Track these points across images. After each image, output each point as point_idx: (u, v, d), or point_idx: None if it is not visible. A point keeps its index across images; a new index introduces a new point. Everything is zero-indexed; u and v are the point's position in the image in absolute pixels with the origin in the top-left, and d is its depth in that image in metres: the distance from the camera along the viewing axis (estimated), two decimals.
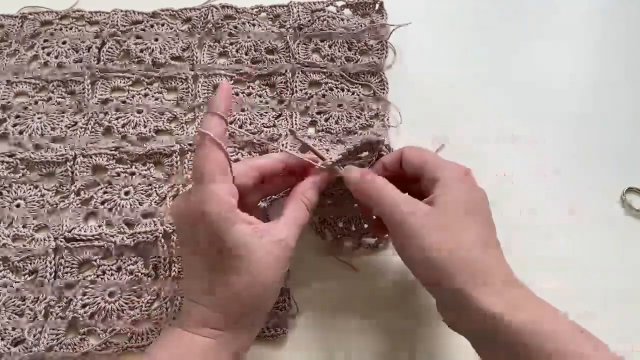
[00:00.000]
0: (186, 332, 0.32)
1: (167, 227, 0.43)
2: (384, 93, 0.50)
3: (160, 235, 0.42)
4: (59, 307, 0.41)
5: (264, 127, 0.49)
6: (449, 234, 0.32)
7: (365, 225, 0.43)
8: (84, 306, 0.41)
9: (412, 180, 0.37)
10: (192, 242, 0.34)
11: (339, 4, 0.55)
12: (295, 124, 0.48)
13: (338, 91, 0.50)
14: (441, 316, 0.34)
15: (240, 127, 0.48)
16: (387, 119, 0.49)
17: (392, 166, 0.38)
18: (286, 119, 0.49)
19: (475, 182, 0.36)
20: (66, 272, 0.42)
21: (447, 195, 0.34)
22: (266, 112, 0.50)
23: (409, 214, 0.33)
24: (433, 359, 0.40)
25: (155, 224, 0.43)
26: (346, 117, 0.49)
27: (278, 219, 0.35)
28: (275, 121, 0.49)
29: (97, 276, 0.42)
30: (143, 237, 0.43)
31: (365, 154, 0.39)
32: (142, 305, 0.41)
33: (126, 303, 0.41)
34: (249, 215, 0.34)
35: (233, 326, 0.33)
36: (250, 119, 0.49)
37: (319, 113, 0.49)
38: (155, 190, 0.46)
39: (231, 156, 0.38)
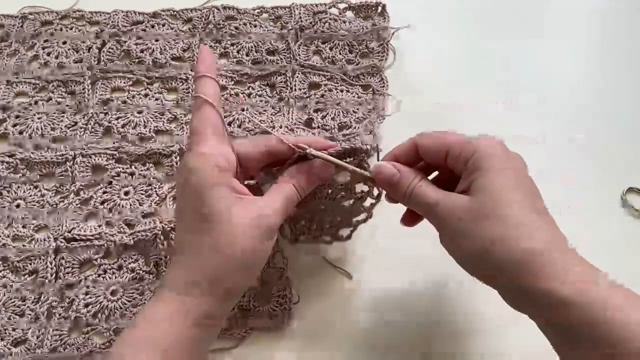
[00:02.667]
0: (154, 299, 0.32)
1: (165, 224, 0.42)
2: (383, 89, 0.50)
3: (159, 232, 0.42)
4: (62, 307, 0.40)
5: (262, 123, 0.49)
6: (494, 223, 0.29)
7: (327, 226, 0.42)
8: (86, 305, 0.40)
9: (435, 167, 0.35)
10: (179, 201, 0.33)
11: (341, 6, 0.55)
12: (292, 119, 0.48)
13: (337, 92, 0.51)
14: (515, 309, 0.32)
15: (239, 126, 0.48)
16: (383, 110, 0.48)
17: (406, 158, 0.35)
18: (284, 114, 0.49)
19: (507, 149, 0.32)
20: (67, 272, 0.42)
21: (484, 178, 0.30)
22: (265, 110, 0.49)
23: (448, 215, 0.31)
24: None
25: (154, 222, 0.43)
26: (342, 113, 0.49)
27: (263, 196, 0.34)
28: (273, 117, 0.49)
29: (99, 275, 0.42)
30: (142, 235, 0.42)
31: (348, 159, 0.39)
32: (144, 303, 0.41)
33: (129, 301, 0.41)
34: (239, 183, 0.33)
35: (198, 291, 0.31)
36: (249, 117, 0.49)
37: (316, 111, 0.49)
38: (155, 191, 0.45)
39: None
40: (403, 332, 0.40)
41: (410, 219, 0.38)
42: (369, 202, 0.40)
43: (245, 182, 0.35)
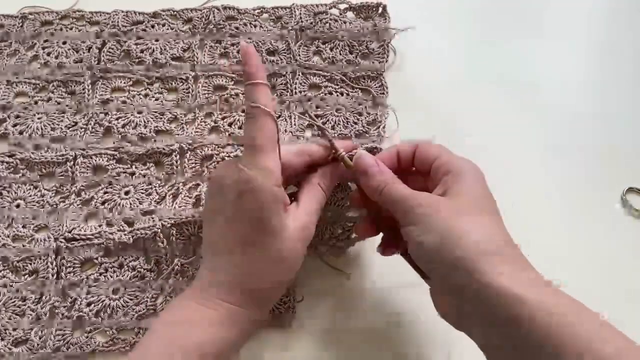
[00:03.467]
0: (198, 305, 0.32)
1: (165, 222, 0.42)
2: (383, 97, 0.50)
3: (159, 230, 0.42)
4: (64, 307, 0.40)
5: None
6: (463, 219, 0.31)
7: (327, 237, 0.42)
8: (88, 304, 0.40)
9: (420, 175, 0.37)
10: (230, 211, 0.33)
11: (342, 6, 0.55)
12: (294, 124, 0.48)
13: (337, 95, 0.50)
14: (445, 316, 0.33)
15: (240, 127, 0.48)
16: (383, 127, 0.48)
17: (406, 158, 0.37)
18: (285, 119, 0.49)
19: (486, 184, 0.35)
20: (69, 272, 0.42)
21: (460, 186, 0.33)
22: None
23: (422, 206, 0.32)
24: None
25: (153, 220, 0.43)
26: (343, 122, 0.49)
27: (297, 203, 0.35)
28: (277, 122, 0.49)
29: (100, 274, 0.42)
30: (142, 234, 0.42)
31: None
32: (147, 300, 0.41)
33: (131, 299, 0.41)
34: (286, 196, 0.34)
35: (249, 302, 0.32)
36: (309, 114, 0.48)
37: (316, 117, 0.49)
38: (155, 190, 0.45)
39: None
40: (403, 331, 0.40)
41: (385, 245, 0.38)
42: None
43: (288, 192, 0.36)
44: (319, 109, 0.49)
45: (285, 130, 0.48)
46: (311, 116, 0.43)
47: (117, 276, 0.42)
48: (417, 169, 0.37)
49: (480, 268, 0.29)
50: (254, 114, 0.33)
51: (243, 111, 0.50)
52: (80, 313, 0.40)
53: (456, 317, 0.32)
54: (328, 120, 0.49)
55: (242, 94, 0.51)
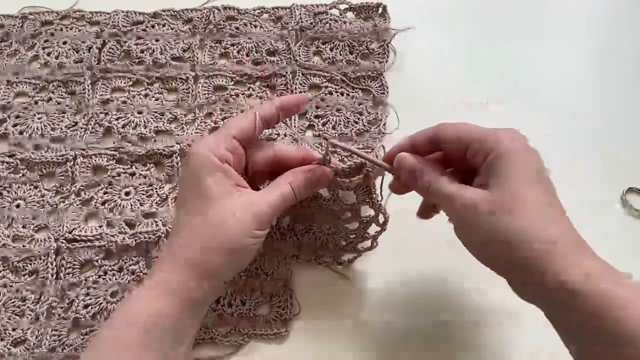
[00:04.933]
0: (145, 278, 0.33)
1: (169, 227, 0.42)
2: (383, 97, 0.50)
3: (163, 235, 0.42)
4: (62, 307, 0.40)
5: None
6: (510, 218, 0.29)
7: (332, 248, 0.42)
8: (86, 306, 0.40)
9: (452, 158, 0.35)
10: (180, 186, 0.35)
11: (342, 7, 0.55)
12: (294, 126, 0.48)
13: (337, 95, 0.50)
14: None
15: None
16: (384, 125, 0.48)
17: (424, 147, 0.35)
18: (284, 121, 0.49)
19: (528, 146, 0.32)
20: (68, 273, 0.42)
21: (501, 175, 0.30)
22: None
23: (465, 209, 0.31)
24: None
25: (157, 224, 0.43)
26: (344, 122, 0.49)
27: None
28: (275, 125, 0.49)
29: (99, 276, 0.42)
30: (145, 237, 0.42)
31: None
32: None
33: None
34: (240, 178, 0.34)
35: (186, 268, 0.32)
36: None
37: (316, 117, 0.49)
38: (156, 191, 0.45)
39: None
40: (403, 330, 0.40)
41: (425, 212, 0.39)
42: (374, 229, 0.40)
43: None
44: (320, 109, 0.49)
45: (285, 135, 0.48)
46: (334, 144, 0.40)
47: (116, 279, 0.41)
48: (448, 155, 0.35)
49: (543, 269, 0.28)
50: (244, 112, 0.35)
51: (242, 111, 0.50)
52: (77, 315, 0.40)
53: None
54: (329, 120, 0.49)
55: (242, 94, 0.51)
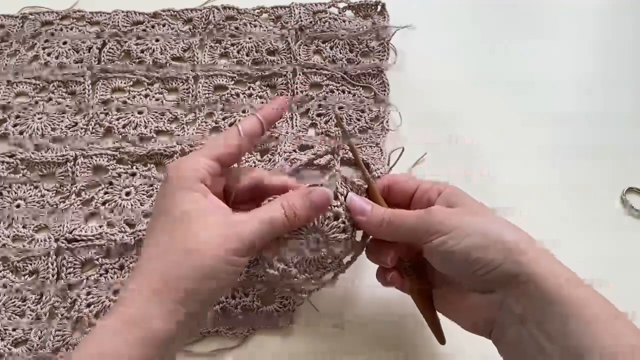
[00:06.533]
0: (110, 311, 0.29)
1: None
2: (385, 94, 0.50)
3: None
4: (64, 307, 0.40)
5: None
6: (491, 221, 0.31)
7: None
8: (88, 305, 0.40)
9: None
10: (154, 205, 0.33)
11: (341, 5, 0.55)
12: (296, 125, 0.48)
13: (339, 93, 0.50)
14: (474, 324, 0.32)
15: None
16: (387, 122, 0.49)
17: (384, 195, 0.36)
18: (286, 120, 0.49)
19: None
20: (69, 273, 0.42)
21: (462, 199, 0.33)
22: None
23: (439, 214, 0.32)
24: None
25: None
26: (346, 119, 0.49)
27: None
28: (277, 124, 0.49)
29: (100, 275, 0.42)
30: (144, 235, 0.42)
31: (328, 157, 0.38)
32: None
33: None
34: (217, 199, 0.32)
35: (151, 300, 0.28)
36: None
37: (318, 115, 0.49)
38: (157, 191, 0.45)
39: None
40: (404, 330, 0.40)
41: (383, 274, 0.37)
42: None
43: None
44: (321, 108, 0.49)
45: (287, 133, 0.48)
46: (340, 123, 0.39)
47: (117, 277, 0.42)
48: (396, 203, 0.36)
49: (536, 252, 0.30)
50: (228, 129, 0.34)
51: (244, 111, 0.50)
52: (80, 314, 0.40)
53: (488, 321, 0.31)
54: (331, 118, 0.49)
55: (242, 93, 0.51)
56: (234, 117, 0.49)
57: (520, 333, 0.30)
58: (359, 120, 0.49)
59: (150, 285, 0.28)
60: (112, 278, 0.42)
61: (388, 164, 0.38)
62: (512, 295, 0.30)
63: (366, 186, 0.36)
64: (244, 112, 0.49)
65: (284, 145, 0.46)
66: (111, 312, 0.29)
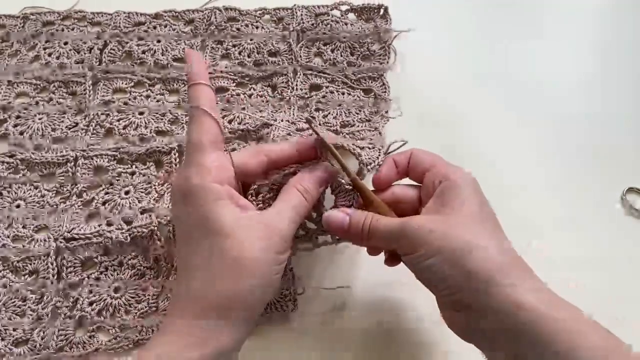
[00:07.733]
0: (164, 331, 0.29)
1: (161, 219, 0.42)
2: (385, 95, 0.50)
3: (155, 228, 0.42)
4: (66, 307, 0.40)
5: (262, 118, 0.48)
6: (467, 234, 0.30)
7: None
8: (90, 304, 0.40)
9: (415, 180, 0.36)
10: (179, 217, 0.32)
11: (343, 8, 0.56)
12: (293, 115, 0.48)
13: (339, 95, 0.50)
14: (455, 330, 0.32)
15: (240, 123, 0.48)
16: (386, 112, 0.48)
17: (402, 167, 0.36)
18: (284, 112, 0.49)
19: (476, 183, 0.34)
20: (70, 272, 0.41)
21: (458, 198, 0.32)
22: (265, 108, 0.49)
23: (418, 230, 0.30)
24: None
25: (150, 218, 0.43)
26: (344, 113, 0.48)
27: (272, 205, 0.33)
28: (274, 114, 0.49)
29: (101, 273, 0.42)
30: (138, 232, 0.42)
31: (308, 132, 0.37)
32: (149, 298, 0.41)
33: (132, 297, 0.41)
34: (241, 197, 0.32)
35: (209, 322, 0.28)
36: (249, 114, 0.48)
37: (317, 110, 0.49)
38: (155, 188, 0.45)
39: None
40: (403, 330, 0.40)
41: (392, 258, 0.37)
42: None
43: (257, 183, 0.34)
44: (320, 105, 0.49)
45: (282, 120, 0.47)
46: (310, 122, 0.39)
47: (117, 274, 0.41)
48: (411, 178, 0.36)
49: (495, 282, 0.28)
50: (192, 114, 0.33)
51: (243, 108, 0.50)
52: (83, 313, 0.40)
53: (466, 331, 0.31)
54: (330, 112, 0.48)
55: (243, 93, 0.51)
56: (233, 114, 0.49)
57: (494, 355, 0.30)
58: (358, 113, 0.48)
59: (206, 304, 0.29)
60: (112, 276, 0.41)
61: (386, 153, 0.37)
62: (475, 319, 0.30)
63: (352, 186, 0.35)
64: (243, 109, 0.49)
65: (278, 131, 0.46)
66: (168, 333, 0.29)
